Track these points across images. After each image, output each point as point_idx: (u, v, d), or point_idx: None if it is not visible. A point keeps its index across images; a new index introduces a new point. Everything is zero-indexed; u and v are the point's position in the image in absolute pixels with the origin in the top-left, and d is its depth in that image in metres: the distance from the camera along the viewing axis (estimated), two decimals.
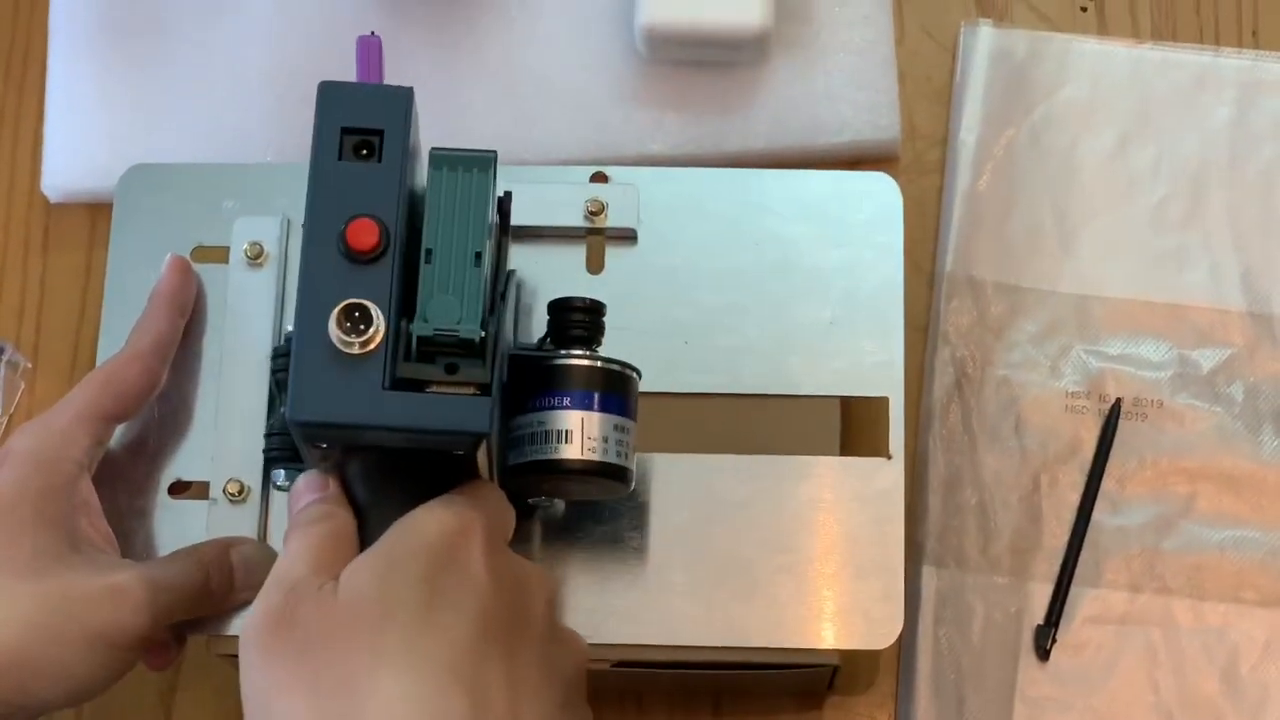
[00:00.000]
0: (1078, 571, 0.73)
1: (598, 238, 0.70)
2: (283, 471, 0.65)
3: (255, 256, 0.69)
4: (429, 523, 0.54)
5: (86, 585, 0.60)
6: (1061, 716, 0.72)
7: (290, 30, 0.81)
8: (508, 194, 0.62)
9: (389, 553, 0.54)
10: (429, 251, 0.55)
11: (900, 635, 0.65)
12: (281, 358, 0.65)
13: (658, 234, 0.70)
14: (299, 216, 0.69)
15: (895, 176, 0.71)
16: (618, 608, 0.65)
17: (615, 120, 0.79)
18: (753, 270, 0.69)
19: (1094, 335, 0.77)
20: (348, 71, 0.81)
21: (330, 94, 0.56)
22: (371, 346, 0.53)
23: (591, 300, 0.63)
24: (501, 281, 0.60)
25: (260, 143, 0.79)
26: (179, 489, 0.68)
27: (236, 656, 0.66)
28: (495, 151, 0.57)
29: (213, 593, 0.63)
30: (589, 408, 0.60)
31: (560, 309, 0.63)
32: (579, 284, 0.69)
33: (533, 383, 0.61)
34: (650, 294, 0.69)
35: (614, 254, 0.70)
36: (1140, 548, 0.74)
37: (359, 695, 0.50)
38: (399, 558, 0.53)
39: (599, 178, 0.71)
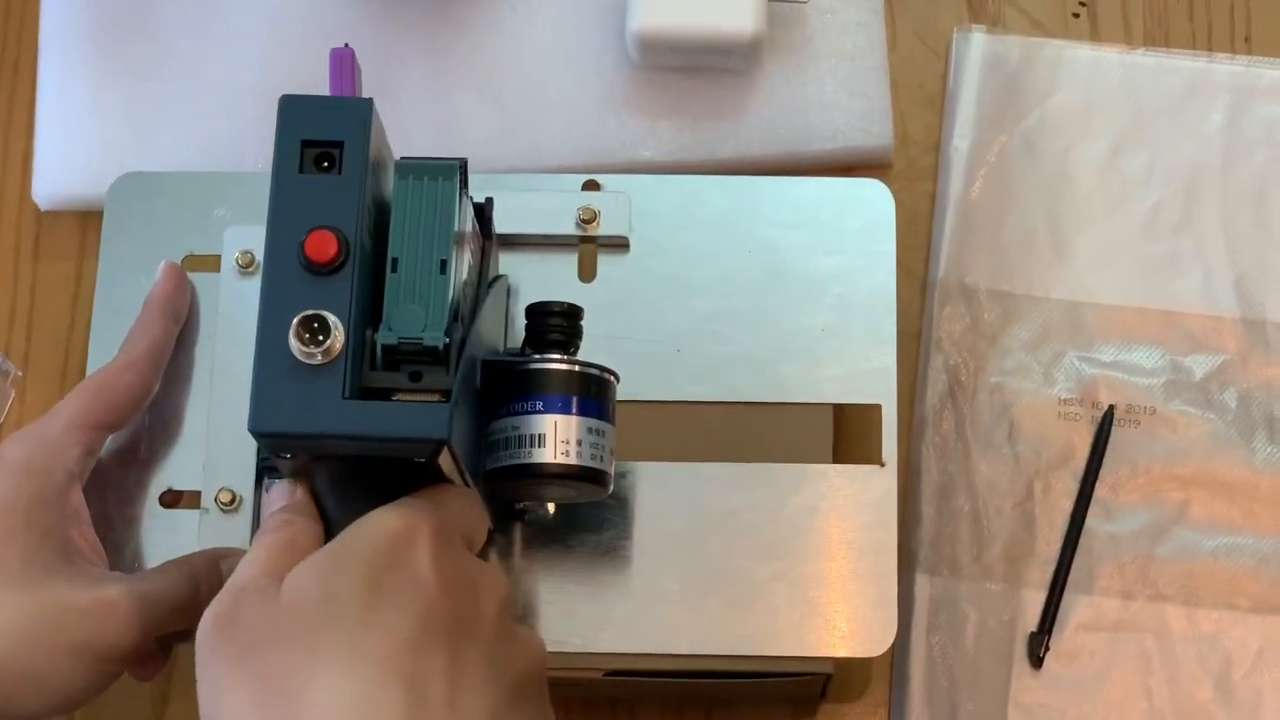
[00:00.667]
0: (1071, 578, 0.73)
1: (590, 246, 0.70)
2: (276, 481, 0.65)
3: (247, 265, 0.69)
4: (376, 525, 0.54)
5: (76, 598, 0.60)
6: None
7: (281, 39, 0.80)
8: (489, 200, 0.62)
9: (334, 554, 0.54)
10: (394, 260, 0.55)
11: (893, 643, 0.65)
12: None
13: (650, 241, 0.70)
14: None
15: (888, 183, 0.71)
16: (611, 616, 0.65)
17: (607, 127, 0.79)
18: (745, 277, 0.69)
19: (1087, 342, 0.77)
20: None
21: (290, 107, 0.56)
22: (331, 357, 0.53)
23: (568, 304, 0.63)
24: (484, 287, 0.60)
25: (251, 151, 0.79)
26: (170, 498, 0.68)
27: None
28: (464, 159, 0.57)
29: (202, 605, 0.62)
30: (563, 411, 0.60)
31: (537, 313, 0.63)
32: (571, 292, 0.68)
33: (508, 387, 0.61)
34: (643, 302, 0.69)
35: (606, 262, 0.70)
36: (1133, 554, 0.74)
37: (298, 694, 0.50)
38: (343, 558, 0.53)
39: (591, 185, 0.71)
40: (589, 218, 0.69)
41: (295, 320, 0.53)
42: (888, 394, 0.67)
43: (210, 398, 0.68)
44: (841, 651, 0.65)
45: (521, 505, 0.65)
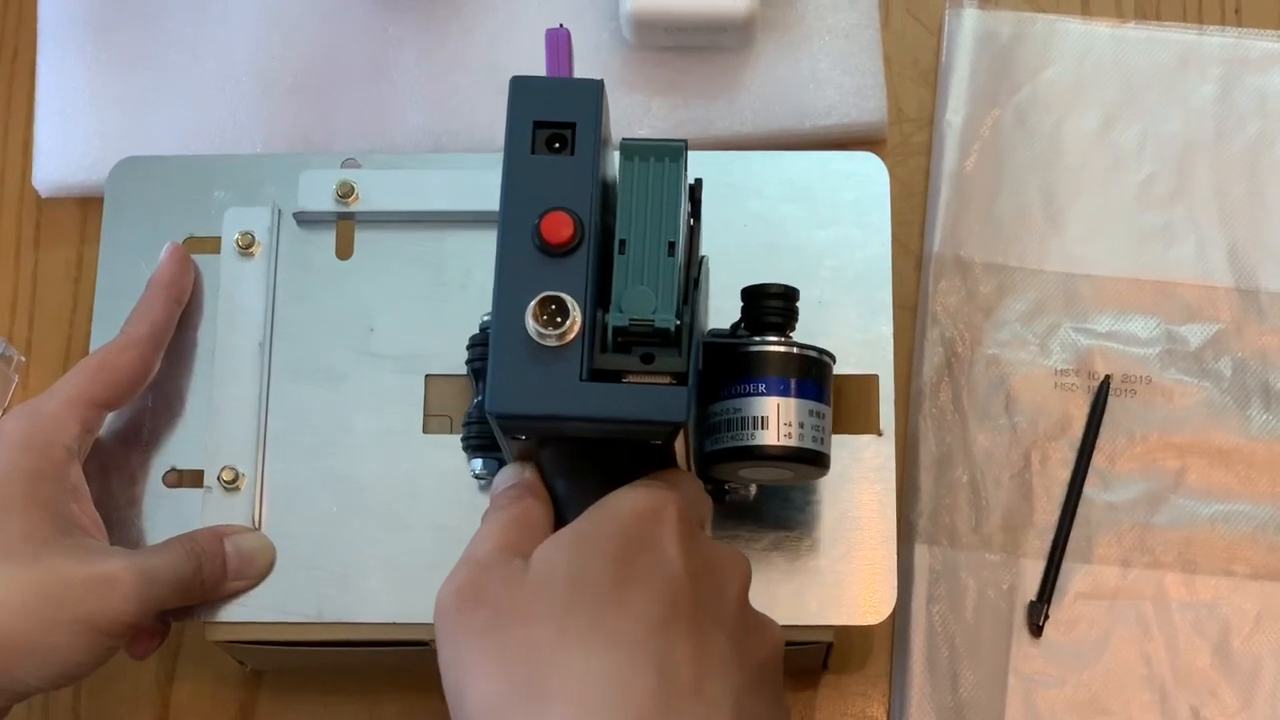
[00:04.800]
0: (1069, 547, 0.73)
1: None
2: (480, 460, 0.65)
3: (246, 246, 0.70)
4: (622, 504, 0.54)
5: (77, 572, 0.60)
6: (1055, 692, 0.72)
7: (277, 22, 0.81)
8: (698, 181, 0.61)
9: (581, 532, 0.54)
10: (623, 242, 0.55)
11: (894, 613, 0.66)
12: (478, 347, 0.65)
13: None
14: (289, 206, 0.70)
15: (882, 159, 0.71)
16: None
17: None
18: (741, 252, 0.70)
19: (1082, 313, 0.77)
20: (338, 63, 0.81)
21: (522, 88, 0.56)
22: (568, 339, 0.53)
23: (785, 286, 0.63)
24: (695, 268, 0.60)
25: (249, 134, 0.79)
26: (173, 478, 0.68)
27: (232, 643, 0.67)
28: (685, 140, 0.57)
29: (205, 582, 0.64)
30: (785, 394, 0.61)
31: (755, 295, 0.63)
32: None
33: (728, 369, 0.61)
34: None
35: None
36: (1131, 523, 0.74)
37: (547, 669, 0.50)
38: (591, 537, 0.53)
39: None
40: None
41: (534, 302, 0.53)
42: (884, 364, 0.68)
43: (212, 378, 0.68)
44: (841, 620, 0.65)
45: (727, 486, 0.65)
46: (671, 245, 0.55)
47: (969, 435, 0.75)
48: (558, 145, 0.55)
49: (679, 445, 0.55)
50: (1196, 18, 0.82)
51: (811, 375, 0.61)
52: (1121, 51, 0.81)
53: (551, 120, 0.55)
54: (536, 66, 0.79)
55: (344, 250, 0.70)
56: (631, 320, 0.53)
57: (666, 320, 0.54)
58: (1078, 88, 0.80)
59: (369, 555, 0.66)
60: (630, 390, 0.53)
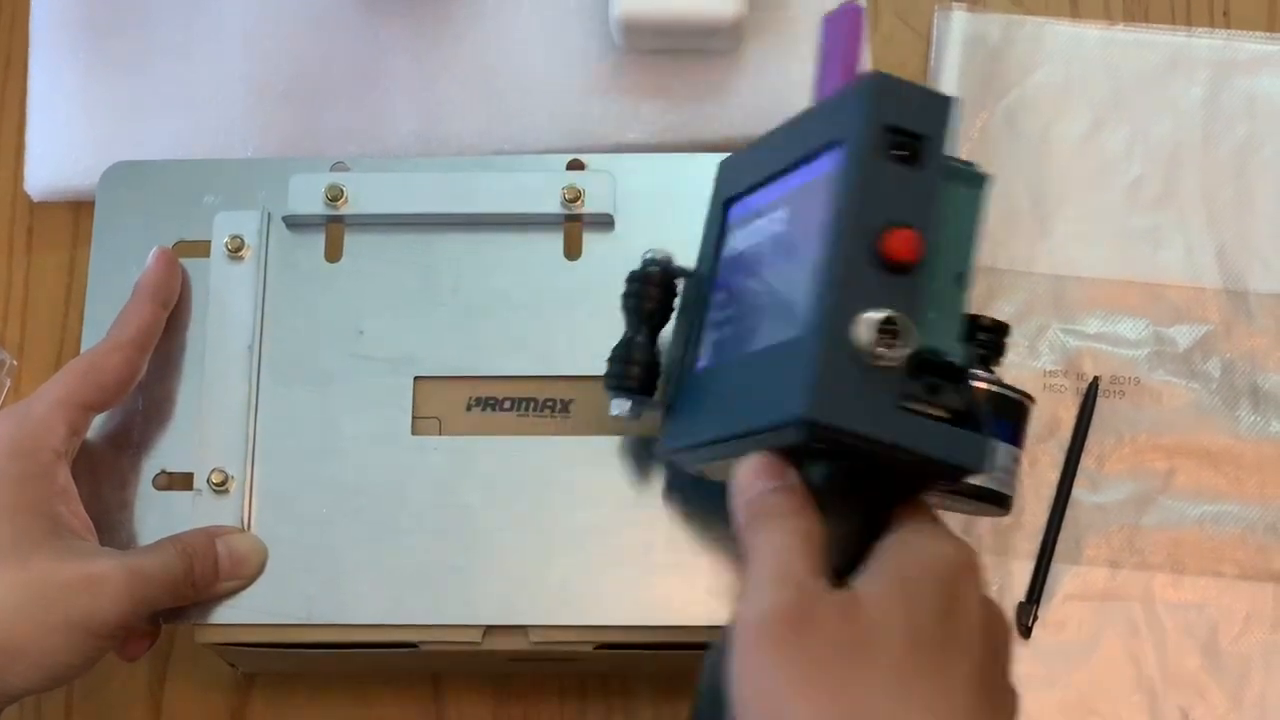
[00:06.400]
0: (1058, 549, 0.74)
1: (575, 224, 0.70)
2: (627, 401, 0.63)
3: (236, 250, 0.70)
4: (940, 554, 0.51)
5: (67, 572, 0.60)
6: (1045, 693, 0.72)
7: (269, 28, 0.81)
8: None
9: (908, 579, 0.51)
10: None
11: None
12: (636, 283, 0.63)
13: (634, 220, 0.70)
14: (279, 210, 0.71)
15: None
16: (605, 589, 0.66)
17: (593, 110, 0.79)
18: None
19: (1071, 315, 0.77)
20: (330, 68, 0.81)
21: (878, 87, 0.53)
22: (897, 361, 0.50)
23: (995, 320, 0.61)
24: None
25: (240, 140, 0.79)
26: (164, 481, 0.68)
27: (223, 646, 0.67)
28: (988, 174, 0.55)
29: (196, 583, 0.64)
30: None
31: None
32: (557, 270, 0.69)
33: None
34: None
35: (591, 240, 0.70)
36: (1120, 524, 0.74)
37: (886, 717, 0.48)
38: (918, 587, 0.51)
39: (575, 165, 0.71)
40: (574, 196, 0.70)
41: (879, 318, 0.50)
42: None
43: (202, 381, 0.68)
44: None
45: None
46: (961, 276, 0.53)
47: None
48: (904, 154, 0.52)
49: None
50: (1185, 20, 0.82)
51: (1009, 416, 0.60)
52: (1110, 54, 0.81)
53: (904, 128, 0.52)
54: (527, 71, 0.80)
55: (333, 253, 0.71)
56: (925, 348, 0.50)
57: (955, 353, 0.51)
58: (1066, 90, 0.81)
59: (358, 557, 0.66)
60: (940, 430, 0.50)
